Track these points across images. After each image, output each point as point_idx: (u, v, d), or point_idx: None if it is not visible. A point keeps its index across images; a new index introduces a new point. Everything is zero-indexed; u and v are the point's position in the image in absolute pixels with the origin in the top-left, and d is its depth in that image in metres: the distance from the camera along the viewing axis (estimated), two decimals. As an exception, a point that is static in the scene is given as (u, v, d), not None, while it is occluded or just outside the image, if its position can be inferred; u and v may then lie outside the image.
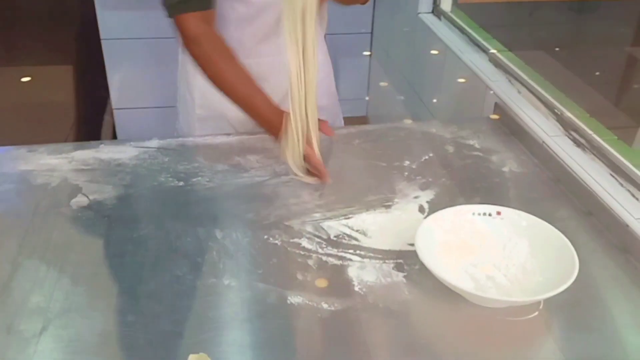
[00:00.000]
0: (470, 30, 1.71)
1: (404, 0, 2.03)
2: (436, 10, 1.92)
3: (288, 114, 1.04)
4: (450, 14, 1.87)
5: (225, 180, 1.11)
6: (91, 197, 1.04)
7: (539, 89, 1.33)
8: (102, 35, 2.30)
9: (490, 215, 0.92)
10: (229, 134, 1.28)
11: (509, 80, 1.43)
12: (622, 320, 0.81)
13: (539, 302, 0.81)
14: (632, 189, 1.01)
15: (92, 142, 1.21)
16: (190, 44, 1.11)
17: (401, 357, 0.75)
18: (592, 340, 0.78)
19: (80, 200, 1.03)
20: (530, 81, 1.37)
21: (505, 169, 1.15)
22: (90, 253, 0.92)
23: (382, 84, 2.37)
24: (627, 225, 0.93)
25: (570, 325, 0.80)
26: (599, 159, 1.09)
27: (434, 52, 1.84)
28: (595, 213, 1.00)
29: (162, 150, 1.19)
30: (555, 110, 1.23)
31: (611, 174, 1.06)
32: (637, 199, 0.99)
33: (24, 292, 0.82)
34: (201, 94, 1.32)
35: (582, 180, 1.06)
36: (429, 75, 1.83)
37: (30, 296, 0.82)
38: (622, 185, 1.03)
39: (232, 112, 1.19)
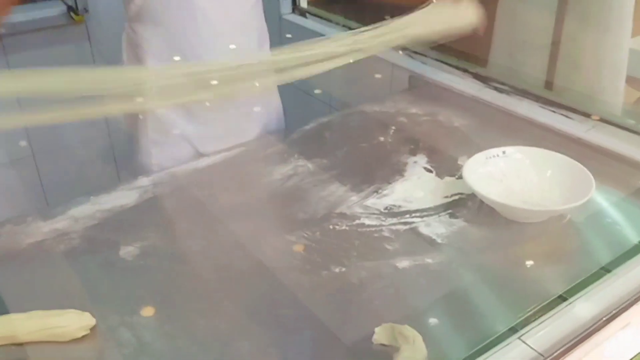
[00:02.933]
0: (341, 20, 1.91)
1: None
2: (297, 10, 2.07)
3: None
4: (312, 9, 2.05)
5: (247, 193, 1.14)
6: (138, 245, 0.99)
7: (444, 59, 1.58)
8: None
9: (498, 156, 1.12)
10: (207, 155, 1.28)
11: (409, 56, 1.66)
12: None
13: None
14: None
15: (80, 199, 1.11)
16: None
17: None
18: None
19: (129, 249, 0.97)
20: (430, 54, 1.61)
21: (457, 124, 1.38)
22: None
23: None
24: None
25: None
26: (526, 98, 1.38)
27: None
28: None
29: (161, 185, 1.16)
30: (470, 70, 1.50)
31: (540, 106, 1.35)
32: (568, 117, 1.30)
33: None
34: (153, 116, 1.31)
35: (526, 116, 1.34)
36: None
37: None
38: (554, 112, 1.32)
39: (193, 128, 1.23)
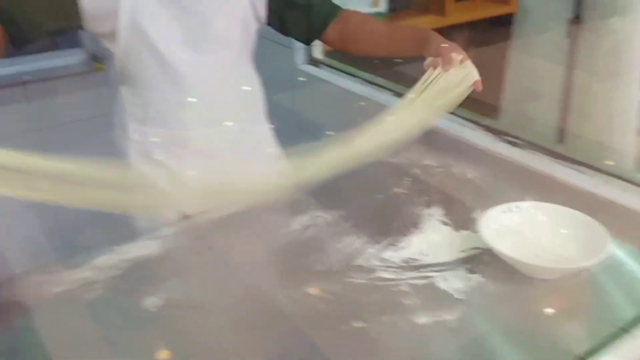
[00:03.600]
0: (360, 73, 1.97)
1: (279, 56, 2.20)
2: (312, 61, 2.13)
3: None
4: (325, 60, 2.11)
5: (265, 243, 1.17)
6: (160, 295, 1.00)
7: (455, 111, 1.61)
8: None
9: (512, 210, 1.15)
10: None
11: (422, 107, 1.70)
12: None
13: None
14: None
15: (103, 249, 1.14)
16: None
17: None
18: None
19: (152, 300, 0.99)
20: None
21: (470, 176, 1.41)
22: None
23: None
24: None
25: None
26: (538, 152, 1.41)
27: (323, 93, 2.05)
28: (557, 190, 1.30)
29: (181, 235, 1.18)
30: (482, 122, 1.53)
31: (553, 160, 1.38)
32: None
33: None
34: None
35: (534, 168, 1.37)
36: (334, 120, 2.03)
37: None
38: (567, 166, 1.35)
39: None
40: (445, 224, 1.21)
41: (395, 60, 2.23)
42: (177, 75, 1.23)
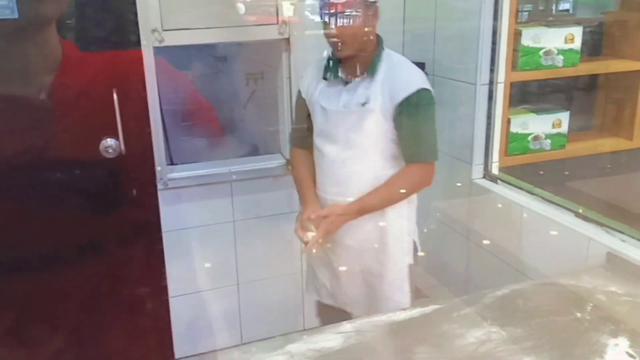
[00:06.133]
0: (537, 190, 1.99)
1: (453, 169, 2.31)
2: (488, 175, 2.20)
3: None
4: (503, 176, 2.16)
5: (442, 353, 1.21)
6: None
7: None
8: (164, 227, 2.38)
9: None
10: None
11: (606, 231, 1.66)
12: None
13: None
14: None
15: (294, 335, 1.27)
16: (292, 158, 1.87)
17: None
18: None
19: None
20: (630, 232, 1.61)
21: (662, 309, 1.34)
22: None
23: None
24: None
25: None
26: None
27: (499, 210, 2.08)
28: None
29: (362, 333, 1.27)
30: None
31: None
32: None
33: None
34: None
35: None
36: (507, 234, 2.06)
37: None
38: None
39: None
40: (633, 357, 1.16)
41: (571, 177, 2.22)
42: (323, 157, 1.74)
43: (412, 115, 1.62)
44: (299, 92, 1.80)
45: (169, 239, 2.31)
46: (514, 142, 2.24)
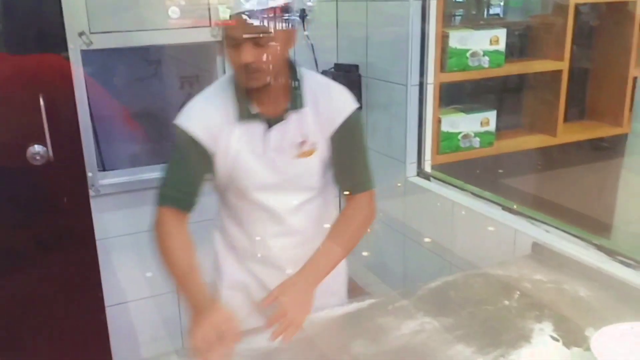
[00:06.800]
0: (468, 186, 2.06)
1: (388, 168, 2.36)
2: (422, 173, 2.26)
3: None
4: (435, 174, 2.23)
5: (377, 344, 1.23)
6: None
7: (567, 229, 1.65)
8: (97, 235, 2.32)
9: (626, 332, 1.14)
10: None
11: (531, 223, 1.75)
12: None
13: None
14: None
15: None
16: (158, 225, 1.35)
17: None
18: None
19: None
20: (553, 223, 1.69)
21: (582, 294, 1.41)
22: None
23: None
24: None
25: None
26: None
27: (432, 206, 2.15)
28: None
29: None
30: (594, 241, 1.55)
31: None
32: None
33: None
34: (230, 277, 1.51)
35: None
36: (440, 229, 2.12)
37: None
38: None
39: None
40: (556, 339, 1.22)
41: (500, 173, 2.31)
42: (263, 210, 1.44)
43: (352, 140, 1.43)
44: (191, 138, 1.34)
45: (103, 247, 2.25)
46: (445, 141, 2.32)
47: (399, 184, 2.29)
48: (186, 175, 1.38)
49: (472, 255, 1.88)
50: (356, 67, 2.47)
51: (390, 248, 2.46)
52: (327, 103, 1.39)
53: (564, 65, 2.40)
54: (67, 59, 2.06)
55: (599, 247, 1.55)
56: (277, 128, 1.37)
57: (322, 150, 1.41)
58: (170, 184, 1.38)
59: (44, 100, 2.02)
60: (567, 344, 1.20)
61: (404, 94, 2.22)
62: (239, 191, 1.43)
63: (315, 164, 1.42)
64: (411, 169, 2.28)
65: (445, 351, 1.20)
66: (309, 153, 1.40)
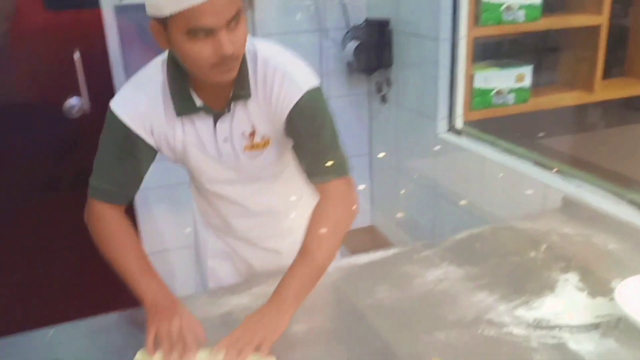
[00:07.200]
0: (497, 141, 2.04)
1: (418, 124, 2.35)
2: (453, 130, 2.24)
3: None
4: (466, 129, 2.21)
5: (400, 291, 1.25)
6: (304, 326, 1.13)
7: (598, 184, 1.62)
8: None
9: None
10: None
11: (563, 178, 1.72)
12: None
13: None
14: None
15: (258, 278, 1.30)
16: (94, 220, 1.24)
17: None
18: None
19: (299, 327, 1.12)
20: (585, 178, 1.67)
21: (611, 247, 1.40)
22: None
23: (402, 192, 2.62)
24: None
25: None
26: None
27: (463, 162, 2.13)
28: None
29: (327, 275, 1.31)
30: (627, 196, 1.52)
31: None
32: None
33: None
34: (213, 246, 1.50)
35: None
36: (469, 185, 2.11)
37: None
38: None
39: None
40: (581, 290, 1.22)
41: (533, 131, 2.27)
42: (222, 198, 1.37)
43: (310, 124, 1.22)
44: (125, 127, 1.19)
45: (140, 198, 2.33)
46: (477, 97, 2.28)
47: (429, 141, 2.28)
48: (118, 166, 1.23)
49: (501, 210, 1.87)
50: (387, 22, 2.44)
51: (420, 205, 2.47)
52: (278, 88, 1.19)
53: (603, 20, 2.32)
54: (100, 14, 2.11)
55: (631, 202, 1.52)
56: (223, 121, 1.22)
57: (278, 142, 1.27)
58: (100, 176, 1.24)
59: (79, 54, 2.07)
60: (592, 294, 1.19)
61: (436, 49, 2.18)
62: (196, 180, 1.37)
63: (270, 156, 1.28)
64: (442, 125, 2.25)
65: (469, 298, 1.21)
66: (262, 145, 1.26)
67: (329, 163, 1.22)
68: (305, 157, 1.24)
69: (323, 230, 1.17)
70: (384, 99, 2.60)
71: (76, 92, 2.11)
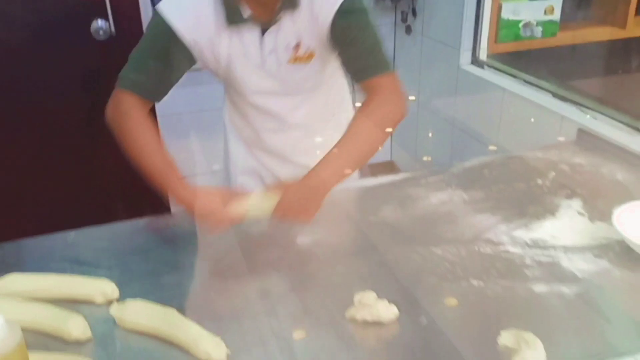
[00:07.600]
0: (517, 73, 2.01)
1: (443, 56, 2.32)
2: (476, 62, 2.21)
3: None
4: (490, 62, 2.18)
5: (404, 211, 1.29)
6: (310, 238, 1.19)
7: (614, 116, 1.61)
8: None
9: (655, 207, 1.15)
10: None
11: (580, 110, 1.71)
12: None
13: None
14: None
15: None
16: (118, 116, 1.23)
17: None
18: None
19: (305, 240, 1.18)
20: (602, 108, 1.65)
21: (619, 177, 1.40)
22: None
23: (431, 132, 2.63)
24: None
25: None
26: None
27: (483, 94, 2.12)
28: None
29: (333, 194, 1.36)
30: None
31: None
32: None
33: None
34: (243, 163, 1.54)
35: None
36: (487, 117, 2.10)
37: None
38: None
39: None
40: (582, 214, 1.24)
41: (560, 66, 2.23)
42: (260, 110, 1.41)
43: (355, 24, 1.24)
44: (168, 29, 1.20)
45: (164, 122, 2.39)
46: (504, 29, 2.24)
47: (451, 72, 2.26)
48: (154, 63, 1.24)
49: (517, 142, 1.88)
50: (415, -52, 2.38)
51: (437, 135, 2.47)
52: None
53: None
54: None
55: (647, 135, 1.51)
56: (270, 32, 1.25)
57: (322, 55, 1.30)
58: (134, 69, 1.25)
59: (104, -25, 2.08)
60: (592, 219, 1.21)
61: (463, -23, 2.14)
62: (236, 92, 1.40)
63: (313, 69, 1.32)
64: (465, 56, 2.23)
65: (470, 219, 1.25)
66: (305, 58, 1.29)
67: (376, 59, 1.26)
68: (353, 56, 1.27)
69: (370, 118, 1.21)
70: (408, 30, 2.57)
71: (103, 15, 2.14)
